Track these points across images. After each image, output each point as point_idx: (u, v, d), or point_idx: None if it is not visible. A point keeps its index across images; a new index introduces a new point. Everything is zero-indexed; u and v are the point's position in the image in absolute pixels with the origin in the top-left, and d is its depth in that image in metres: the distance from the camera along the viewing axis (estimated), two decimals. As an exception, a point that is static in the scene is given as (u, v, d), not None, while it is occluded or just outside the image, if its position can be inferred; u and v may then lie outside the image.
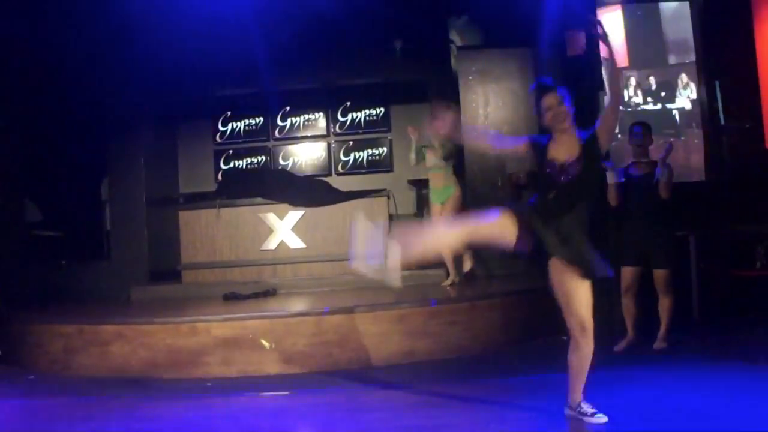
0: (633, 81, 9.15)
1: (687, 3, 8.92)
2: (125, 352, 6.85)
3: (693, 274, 7.33)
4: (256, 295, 8.35)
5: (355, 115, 11.13)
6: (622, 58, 8.78)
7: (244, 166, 11.27)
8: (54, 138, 10.09)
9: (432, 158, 8.23)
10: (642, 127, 6.59)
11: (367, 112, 11.12)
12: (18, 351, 7.61)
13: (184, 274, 9.30)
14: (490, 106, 9.90)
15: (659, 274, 6.33)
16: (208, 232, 9.23)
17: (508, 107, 9.89)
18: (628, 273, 6.43)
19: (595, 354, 4.38)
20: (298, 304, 7.77)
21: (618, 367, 5.80)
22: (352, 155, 11.08)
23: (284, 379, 6.37)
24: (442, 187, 8.21)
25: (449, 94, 9.44)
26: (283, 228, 9.09)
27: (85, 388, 6.51)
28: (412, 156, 8.33)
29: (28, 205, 9.96)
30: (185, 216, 9.39)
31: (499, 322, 7.11)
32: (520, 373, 6.01)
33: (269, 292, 8.52)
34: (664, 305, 6.35)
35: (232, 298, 8.25)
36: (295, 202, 9.16)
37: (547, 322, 7.30)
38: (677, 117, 8.98)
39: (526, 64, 10.18)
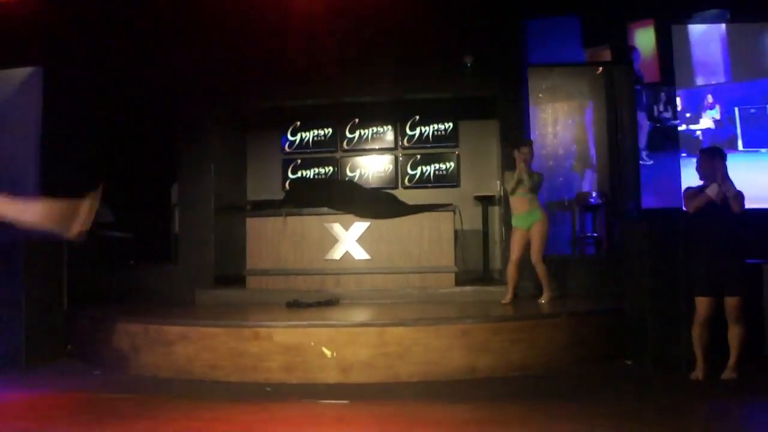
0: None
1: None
2: (189, 354, 6.97)
3: (765, 305, 7.09)
4: (319, 304, 8.37)
5: (423, 129, 11.11)
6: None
7: (311, 176, 11.35)
8: (127, 142, 10.36)
9: (524, 182, 8.12)
10: (699, 155, 6.42)
11: (436, 126, 11.09)
12: (86, 347, 7.82)
13: (248, 280, 9.39)
14: (560, 125, 9.79)
15: (731, 302, 6.11)
16: (273, 240, 9.30)
17: (578, 126, 9.77)
18: (703, 303, 6.22)
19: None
20: (361, 315, 7.77)
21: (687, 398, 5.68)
22: (419, 169, 11.06)
23: (344, 389, 6.37)
24: (526, 212, 8.12)
25: (518, 111, 9.37)
26: (349, 239, 9.12)
27: (149, 386, 6.64)
28: (512, 185, 8.15)
29: (100, 207, 10.20)
30: (252, 223, 9.48)
31: (563, 342, 7.00)
32: (582, 398, 5.87)
33: (332, 302, 8.53)
34: (734, 334, 6.13)
35: (295, 305, 8.28)
36: (361, 214, 9.17)
37: (611, 345, 7.23)
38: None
39: (598, 81, 10.07)
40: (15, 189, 8.73)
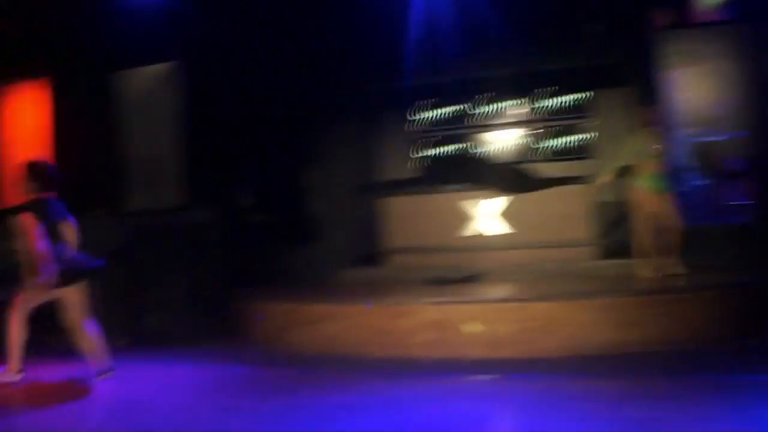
0: None
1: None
2: (336, 331, 7.19)
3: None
4: (460, 280, 8.43)
5: (554, 100, 10.93)
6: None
7: (442, 154, 11.38)
8: (266, 129, 10.71)
9: (651, 145, 7.89)
10: None
11: (567, 97, 10.88)
12: (241, 325, 8.21)
13: (386, 259, 9.56)
14: (698, 89, 9.42)
15: None
16: (409, 219, 9.44)
17: (718, 88, 9.35)
18: None
19: None
20: (503, 291, 7.80)
21: None
22: (551, 141, 10.90)
23: (489, 364, 6.39)
24: (657, 174, 7.84)
25: (652, 78, 9.08)
26: (484, 214, 9.14)
27: (301, 362, 6.93)
28: (633, 147, 7.97)
29: (246, 192, 10.65)
30: (388, 202, 9.65)
31: (716, 315, 6.74)
32: (740, 372, 5.68)
33: (472, 278, 8.58)
34: None
35: (436, 282, 8.38)
36: (496, 189, 9.16)
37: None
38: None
39: (743, 41, 9.56)
40: (160, 182, 9.37)
